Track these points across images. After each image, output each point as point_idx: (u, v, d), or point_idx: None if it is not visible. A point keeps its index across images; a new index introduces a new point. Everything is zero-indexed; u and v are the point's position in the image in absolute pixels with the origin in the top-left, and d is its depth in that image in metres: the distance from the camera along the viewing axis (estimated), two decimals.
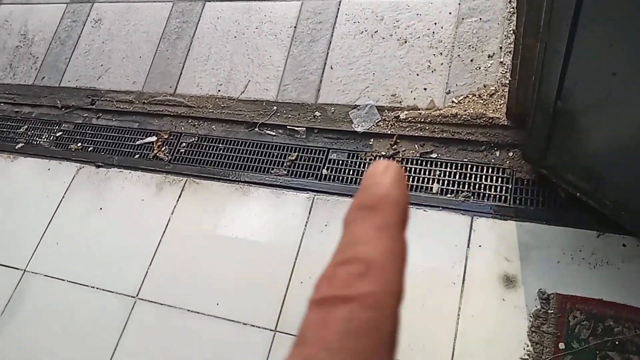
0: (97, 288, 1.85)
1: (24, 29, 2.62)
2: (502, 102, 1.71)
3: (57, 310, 1.86)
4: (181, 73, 2.19)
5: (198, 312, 1.70)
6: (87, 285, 1.86)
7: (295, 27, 2.09)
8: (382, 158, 1.79)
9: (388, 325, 0.28)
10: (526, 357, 1.39)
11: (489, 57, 1.78)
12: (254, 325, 1.63)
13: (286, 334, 1.59)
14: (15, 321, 1.88)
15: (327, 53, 2.00)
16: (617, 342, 1.34)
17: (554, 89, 1.26)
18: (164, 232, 1.88)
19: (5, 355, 1.83)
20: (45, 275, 1.94)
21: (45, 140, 2.30)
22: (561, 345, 1.38)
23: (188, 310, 1.71)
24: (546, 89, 1.29)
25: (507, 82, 1.69)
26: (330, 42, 2.01)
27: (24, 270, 1.98)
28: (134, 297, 1.79)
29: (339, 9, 2.05)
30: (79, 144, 2.22)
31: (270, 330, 1.61)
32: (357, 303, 0.27)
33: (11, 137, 2.36)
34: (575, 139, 1.37)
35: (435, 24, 1.89)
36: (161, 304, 1.76)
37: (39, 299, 1.90)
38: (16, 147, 2.32)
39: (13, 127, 2.40)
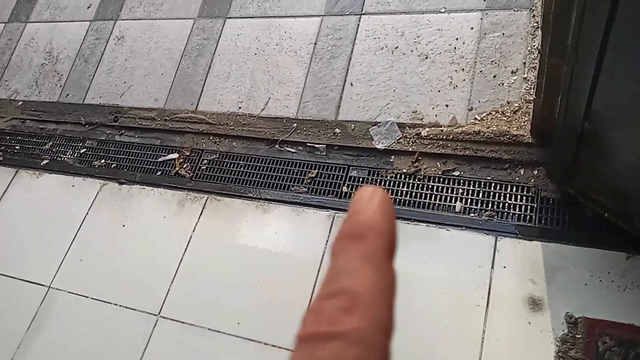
0: (121, 305, 1.87)
1: (49, 46, 2.67)
2: (526, 119, 1.68)
3: (81, 327, 1.88)
4: (202, 90, 2.21)
5: (219, 332, 1.70)
6: (110, 303, 1.88)
7: (315, 43, 2.09)
8: (403, 176, 1.78)
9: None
10: None
11: (512, 73, 1.75)
12: (275, 346, 1.62)
13: None
14: (40, 337, 1.91)
15: (347, 69, 1.99)
16: None
17: (581, 110, 1.23)
18: (186, 249, 1.89)
19: None
20: (70, 292, 1.97)
21: (69, 156, 2.34)
22: None
23: (209, 329, 1.72)
24: (573, 110, 1.26)
25: (531, 98, 1.66)
26: (350, 59, 2.01)
27: (49, 287, 2.01)
28: (156, 315, 1.81)
29: (359, 24, 2.04)
30: (103, 161, 2.25)
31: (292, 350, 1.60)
32: (343, 340, 0.26)
33: (36, 154, 2.41)
34: (603, 159, 1.33)
35: (457, 39, 1.87)
36: (183, 322, 1.76)
37: (63, 316, 1.93)
38: (41, 164, 2.36)
39: (38, 144, 2.45)
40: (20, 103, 2.60)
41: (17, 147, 2.48)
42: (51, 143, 2.42)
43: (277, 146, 1.99)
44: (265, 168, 1.98)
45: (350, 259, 0.29)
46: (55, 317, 1.93)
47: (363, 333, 0.27)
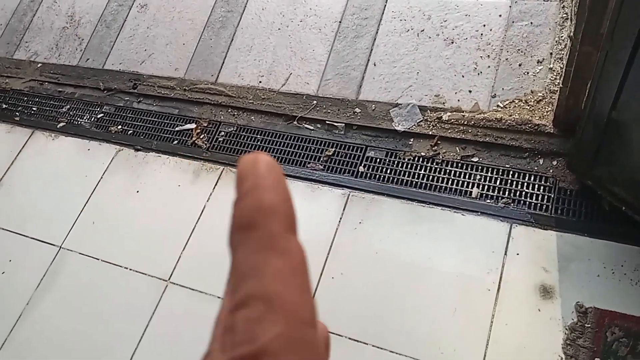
0: (131, 269, 1.88)
1: (72, 10, 2.67)
2: (549, 109, 1.67)
3: (91, 288, 1.90)
4: (223, 62, 2.20)
5: None
6: (120, 266, 1.90)
7: (340, 22, 2.08)
8: (421, 159, 1.78)
9: (313, 357, 0.25)
10: None
11: (538, 62, 1.75)
12: None
13: None
14: (49, 295, 1.92)
15: (371, 50, 1.98)
16: None
17: (610, 98, 1.23)
18: (199, 219, 1.90)
19: (40, 330, 1.87)
20: (80, 254, 1.98)
21: (86, 121, 2.34)
22: None
23: (219, 297, 1.73)
24: (601, 98, 1.26)
25: (556, 89, 1.65)
26: (375, 39, 2.00)
27: (60, 247, 2.02)
28: (166, 280, 1.82)
29: (385, 5, 2.03)
30: (119, 127, 2.26)
31: None
32: (269, 356, 0.23)
33: (53, 116, 2.41)
34: (626, 151, 1.33)
35: (484, 25, 1.86)
36: (192, 289, 1.78)
37: (73, 276, 1.94)
38: (57, 126, 2.37)
39: (55, 107, 2.45)
40: (39, 65, 2.60)
41: (34, 109, 2.48)
42: (68, 106, 2.42)
43: (295, 122, 1.99)
44: (282, 143, 1.98)
45: (249, 255, 0.26)
46: (65, 277, 1.95)
47: (287, 337, 0.24)
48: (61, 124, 2.37)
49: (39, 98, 2.51)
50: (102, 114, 2.34)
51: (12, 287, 1.99)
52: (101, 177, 2.14)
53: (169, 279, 1.82)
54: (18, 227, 2.13)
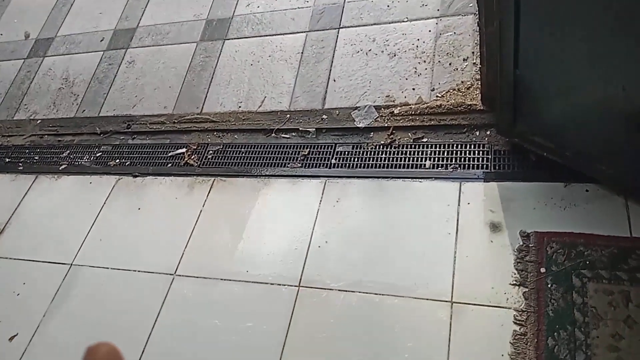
0: (139, 271, 2.10)
1: (66, 74, 3.04)
2: (477, 92, 2.08)
3: (102, 293, 2.09)
4: (206, 96, 2.57)
5: (230, 280, 1.95)
6: (129, 270, 2.12)
7: (302, 52, 2.51)
8: (381, 147, 2.13)
9: None
10: (514, 282, 1.64)
11: (464, 60, 2.18)
12: (280, 284, 1.88)
13: (309, 287, 1.84)
14: (65, 305, 2.10)
15: (330, 70, 2.40)
16: (587, 262, 1.61)
17: (511, 59, 1.63)
18: (197, 220, 2.16)
19: (59, 334, 2.04)
20: (90, 266, 2.19)
21: (86, 160, 2.63)
22: (542, 270, 1.64)
23: (221, 279, 1.96)
24: (505, 61, 1.66)
25: (479, 74, 2.07)
26: (332, 61, 2.42)
27: (71, 264, 2.23)
28: (172, 274, 2.04)
29: (338, 35, 2.48)
30: (117, 161, 2.55)
31: (295, 286, 1.86)
32: None
33: (55, 161, 2.69)
34: (535, 102, 1.72)
35: (418, 39, 2.31)
36: (197, 277, 2.00)
37: (85, 285, 2.14)
38: (59, 169, 2.64)
39: (56, 153, 2.74)
40: (39, 121, 2.91)
41: (35, 158, 2.76)
42: (68, 151, 2.72)
43: (273, 134, 2.34)
44: (264, 152, 2.31)
45: None
46: (77, 287, 2.14)
47: None
48: (63, 166, 2.64)
49: (40, 149, 2.80)
50: (100, 153, 2.63)
51: (27, 304, 2.16)
52: (104, 203, 2.40)
53: (175, 272, 2.04)
54: (29, 255, 2.33)
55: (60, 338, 2.02)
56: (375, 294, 1.75)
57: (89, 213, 2.38)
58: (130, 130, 2.65)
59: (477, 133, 2.04)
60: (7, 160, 2.81)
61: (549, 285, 1.61)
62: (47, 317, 2.09)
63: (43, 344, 2.03)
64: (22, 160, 2.78)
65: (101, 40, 3.08)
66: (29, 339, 2.05)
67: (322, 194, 2.07)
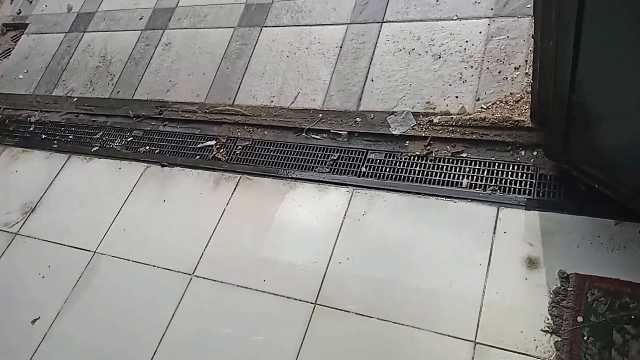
0: (159, 267, 2.08)
1: (104, 51, 3.01)
2: (527, 107, 1.89)
3: (122, 285, 2.09)
4: (239, 87, 2.48)
5: (247, 288, 1.89)
6: (150, 265, 2.10)
7: (341, 47, 2.36)
8: (416, 158, 1.98)
9: None
10: (546, 328, 1.50)
11: (515, 69, 1.98)
12: (296, 299, 1.80)
13: (325, 306, 1.76)
14: (85, 294, 2.12)
15: (369, 68, 2.25)
16: (632, 316, 1.45)
17: (567, 82, 1.44)
18: (220, 219, 2.11)
19: (77, 324, 2.06)
20: (113, 256, 2.19)
21: (117, 144, 2.61)
22: (579, 319, 1.49)
23: (238, 286, 1.91)
24: (561, 83, 1.47)
25: (531, 87, 1.87)
26: (372, 59, 2.26)
27: (94, 252, 2.23)
28: (190, 274, 2.01)
29: (380, 30, 2.31)
30: (147, 147, 2.52)
31: (311, 303, 1.78)
32: None
33: (87, 142, 2.69)
34: (590, 130, 1.53)
35: (467, 41, 2.11)
36: (214, 281, 1.96)
37: (106, 276, 2.14)
38: (91, 150, 2.64)
39: (89, 134, 2.73)
40: (75, 99, 2.91)
41: (70, 137, 2.77)
42: (101, 133, 2.70)
43: (304, 134, 2.23)
44: (293, 152, 2.21)
45: None
46: (99, 277, 2.15)
47: None
48: (95, 148, 2.64)
49: (75, 127, 2.81)
50: (131, 137, 2.61)
51: (50, 287, 2.19)
52: (131, 191, 2.38)
53: (193, 272, 2.01)
54: (56, 238, 2.35)
55: (76, 333, 2.03)
56: (394, 322, 1.65)
57: (115, 200, 2.37)
58: (162, 116, 2.60)
59: (523, 153, 1.86)
60: (44, 136, 2.84)
61: (585, 338, 1.46)
62: (67, 305, 2.11)
63: (60, 334, 2.05)
64: (57, 137, 2.79)
65: (140, 19, 3.02)
66: (49, 326, 2.08)
67: (348, 205, 1.96)
